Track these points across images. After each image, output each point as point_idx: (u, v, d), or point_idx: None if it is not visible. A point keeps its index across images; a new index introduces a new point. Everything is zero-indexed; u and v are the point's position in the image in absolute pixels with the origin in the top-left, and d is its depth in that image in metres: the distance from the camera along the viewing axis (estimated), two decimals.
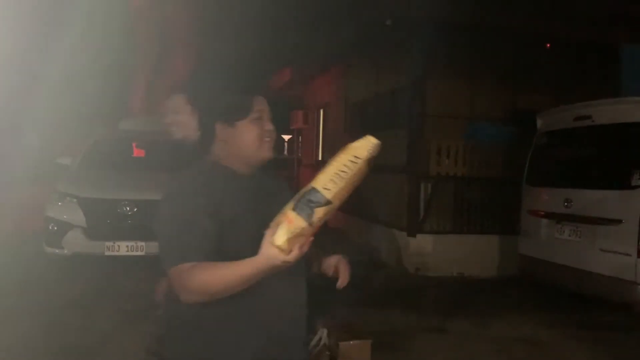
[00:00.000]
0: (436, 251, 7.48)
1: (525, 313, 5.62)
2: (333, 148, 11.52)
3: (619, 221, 4.94)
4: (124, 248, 6.15)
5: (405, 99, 7.73)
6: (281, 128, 9.54)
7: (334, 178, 1.30)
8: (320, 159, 13.06)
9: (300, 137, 16.05)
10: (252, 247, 1.45)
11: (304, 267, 1.71)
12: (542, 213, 5.95)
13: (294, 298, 1.68)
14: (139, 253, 6.15)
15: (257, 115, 1.65)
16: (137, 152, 7.84)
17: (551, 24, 7.35)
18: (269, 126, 1.68)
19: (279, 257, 1.31)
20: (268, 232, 1.33)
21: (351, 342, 2.13)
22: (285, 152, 19.13)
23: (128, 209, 6.27)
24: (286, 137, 17.85)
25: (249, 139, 1.64)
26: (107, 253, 6.15)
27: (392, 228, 7.98)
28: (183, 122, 1.66)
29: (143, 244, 6.14)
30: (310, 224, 1.28)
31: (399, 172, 7.80)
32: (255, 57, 9.47)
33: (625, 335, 5.00)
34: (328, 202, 1.29)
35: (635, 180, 4.86)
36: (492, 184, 7.66)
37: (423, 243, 7.49)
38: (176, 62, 9.22)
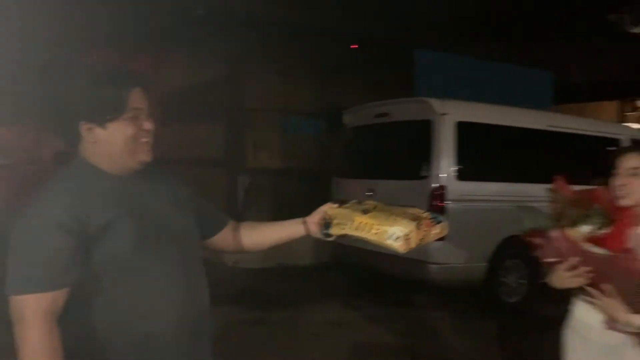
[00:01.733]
0: None
1: (338, 297, 6.01)
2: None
3: (412, 207, 5.52)
4: None
5: (222, 92, 7.68)
6: None
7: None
8: None
9: None
10: (134, 253, 1.35)
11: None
12: None
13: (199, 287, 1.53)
14: None
15: (133, 114, 1.39)
16: None
17: (357, 25, 7.89)
18: (148, 125, 1.42)
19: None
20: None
21: None
22: None
23: None
24: None
25: (122, 142, 1.38)
26: None
27: None
28: None
29: None
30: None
31: (216, 166, 7.73)
32: (57, 41, 8.53)
33: (418, 310, 5.66)
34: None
35: (423, 171, 5.48)
36: (308, 176, 8.01)
37: None
38: None
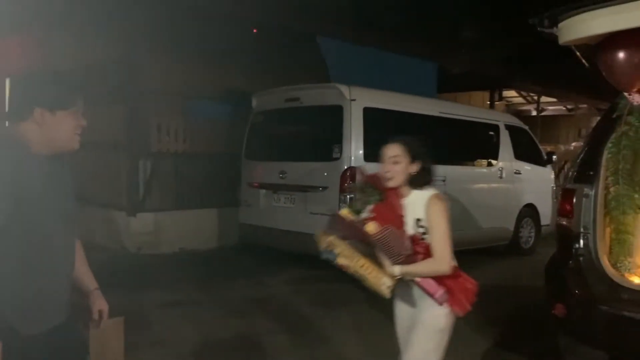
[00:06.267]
0: (158, 229, 7.44)
1: (249, 276, 6.17)
2: None
3: (325, 188, 5.84)
4: None
5: (121, 73, 7.36)
6: None
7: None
8: None
9: None
10: (57, 223, 1.79)
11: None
12: (260, 184, 6.55)
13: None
14: None
15: (77, 109, 1.80)
16: None
17: (256, 10, 7.86)
18: (84, 122, 1.82)
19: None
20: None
21: (106, 321, 2.09)
22: None
23: None
24: None
25: (65, 130, 1.78)
26: None
27: (109, 209, 7.58)
28: None
29: None
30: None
31: (116, 150, 7.44)
32: None
33: (327, 285, 5.99)
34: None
35: (335, 153, 5.81)
36: (213, 159, 7.99)
37: (144, 222, 7.36)
38: None
